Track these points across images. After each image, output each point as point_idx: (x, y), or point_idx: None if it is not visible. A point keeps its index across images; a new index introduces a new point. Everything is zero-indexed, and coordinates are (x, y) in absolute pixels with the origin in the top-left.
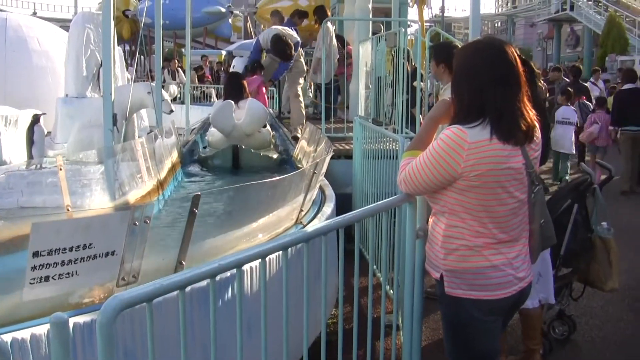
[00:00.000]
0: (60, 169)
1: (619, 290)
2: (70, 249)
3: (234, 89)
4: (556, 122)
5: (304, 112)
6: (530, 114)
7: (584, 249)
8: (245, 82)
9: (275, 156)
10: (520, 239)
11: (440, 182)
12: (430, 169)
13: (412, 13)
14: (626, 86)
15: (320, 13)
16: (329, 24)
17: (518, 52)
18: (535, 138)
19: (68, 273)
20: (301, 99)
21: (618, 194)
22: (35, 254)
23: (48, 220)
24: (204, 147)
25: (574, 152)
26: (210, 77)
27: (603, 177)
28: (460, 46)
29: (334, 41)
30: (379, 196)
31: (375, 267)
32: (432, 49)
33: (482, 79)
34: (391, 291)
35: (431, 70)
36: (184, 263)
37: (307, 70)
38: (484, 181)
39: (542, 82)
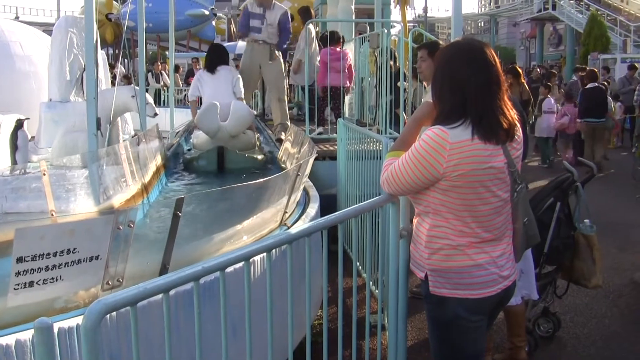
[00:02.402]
0: (44, 174)
1: (603, 286)
2: (55, 254)
3: (215, 55)
4: (542, 112)
5: (287, 114)
6: (511, 112)
7: (567, 247)
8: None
9: (260, 157)
10: (504, 237)
11: (422, 182)
12: (413, 170)
13: (396, 14)
14: (589, 85)
15: (305, 14)
16: (310, 25)
17: (498, 56)
18: (516, 137)
19: (52, 278)
20: (285, 101)
21: (600, 192)
22: (19, 260)
23: (32, 226)
24: (189, 150)
25: (552, 135)
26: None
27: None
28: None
29: (315, 43)
30: (364, 197)
31: (359, 267)
32: (425, 45)
33: (462, 80)
34: (376, 291)
35: (419, 65)
36: (168, 266)
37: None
38: (467, 181)
39: (524, 80)
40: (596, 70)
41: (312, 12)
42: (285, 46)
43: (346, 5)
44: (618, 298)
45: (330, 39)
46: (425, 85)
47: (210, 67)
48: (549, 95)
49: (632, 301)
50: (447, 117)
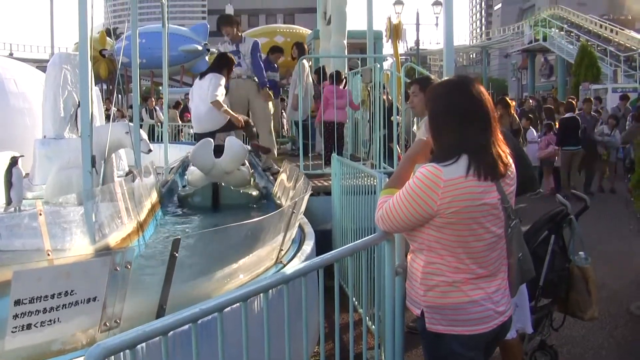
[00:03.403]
0: (40, 214)
1: (599, 318)
2: (52, 296)
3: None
4: (527, 142)
5: (274, 142)
6: (504, 148)
7: (563, 279)
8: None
9: (255, 193)
10: (498, 273)
11: (417, 220)
12: (407, 207)
13: (388, 47)
14: (567, 115)
15: (299, 49)
16: (304, 61)
17: (490, 87)
18: (509, 172)
19: (50, 320)
20: (273, 133)
21: (594, 222)
22: (17, 302)
23: (29, 268)
24: (184, 186)
25: (537, 164)
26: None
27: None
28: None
29: (310, 78)
30: (359, 232)
31: (356, 302)
32: (416, 80)
33: (455, 118)
34: (373, 327)
35: (411, 100)
36: (165, 307)
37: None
38: (461, 217)
39: (514, 112)
40: (573, 101)
41: (305, 47)
42: (265, 80)
43: (338, 40)
44: (614, 329)
45: (336, 78)
46: (415, 120)
47: (201, 75)
48: (530, 127)
49: (628, 332)
50: (444, 154)
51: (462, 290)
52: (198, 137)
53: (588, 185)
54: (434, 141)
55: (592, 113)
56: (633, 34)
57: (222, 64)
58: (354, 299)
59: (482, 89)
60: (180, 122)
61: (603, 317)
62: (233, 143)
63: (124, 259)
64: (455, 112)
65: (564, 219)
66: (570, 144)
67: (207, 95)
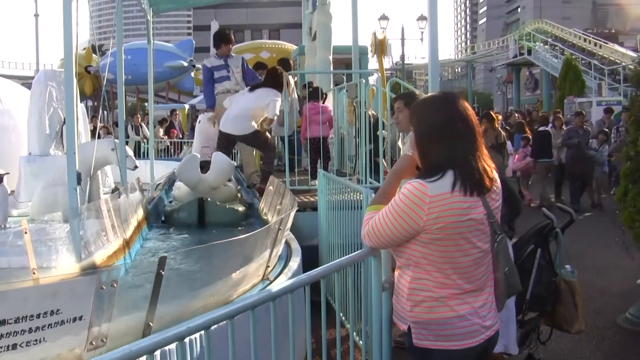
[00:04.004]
0: (26, 232)
1: (586, 331)
2: (38, 316)
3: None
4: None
5: (256, 161)
6: (489, 163)
7: (549, 293)
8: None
9: (241, 209)
10: (485, 287)
11: (403, 235)
12: (393, 223)
13: (373, 62)
14: (541, 128)
15: (284, 65)
16: (290, 77)
17: (476, 101)
18: (495, 188)
19: (36, 340)
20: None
21: (581, 235)
22: (3, 322)
23: (15, 288)
24: (170, 202)
25: (511, 175)
26: (176, 131)
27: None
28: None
29: (295, 93)
30: (345, 247)
31: (343, 317)
32: (401, 96)
33: (440, 134)
34: (360, 342)
35: (396, 116)
36: (152, 324)
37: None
38: (447, 233)
39: (499, 125)
40: (547, 116)
41: (291, 62)
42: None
43: (324, 56)
44: (601, 342)
45: (314, 95)
46: (401, 135)
47: (252, 87)
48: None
49: (616, 344)
50: (429, 169)
51: (449, 306)
52: (223, 136)
53: (576, 201)
54: (419, 157)
55: (584, 127)
56: (617, 47)
57: (279, 84)
58: (341, 314)
59: (467, 104)
60: (167, 138)
61: (590, 330)
62: (219, 159)
63: (110, 278)
64: (440, 128)
65: (550, 232)
66: (545, 156)
67: (254, 105)
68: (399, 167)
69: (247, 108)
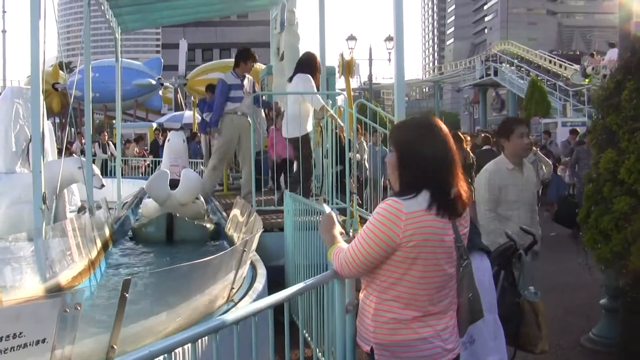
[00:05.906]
0: None
1: (550, 351)
2: (0, 339)
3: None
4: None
5: (214, 183)
6: (464, 186)
7: (513, 314)
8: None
9: (209, 226)
10: (448, 311)
11: (380, 255)
12: (370, 244)
13: (341, 82)
14: (484, 147)
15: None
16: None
17: (443, 120)
18: (465, 214)
19: None
20: (216, 171)
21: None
22: None
23: None
24: (137, 219)
25: None
26: (144, 151)
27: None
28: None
29: (262, 113)
30: (311, 268)
31: (307, 336)
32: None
33: (419, 155)
34: None
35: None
36: (115, 347)
37: None
38: (420, 251)
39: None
40: (490, 135)
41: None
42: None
43: None
44: None
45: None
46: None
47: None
48: None
49: None
50: (404, 188)
51: (412, 328)
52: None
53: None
54: (397, 176)
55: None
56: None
57: (311, 66)
58: (304, 331)
59: (445, 128)
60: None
61: (554, 350)
62: (188, 175)
63: (73, 301)
64: (419, 150)
65: (513, 254)
66: None
67: (292, 100)
68: (326, 224)
69: (290, 104)
